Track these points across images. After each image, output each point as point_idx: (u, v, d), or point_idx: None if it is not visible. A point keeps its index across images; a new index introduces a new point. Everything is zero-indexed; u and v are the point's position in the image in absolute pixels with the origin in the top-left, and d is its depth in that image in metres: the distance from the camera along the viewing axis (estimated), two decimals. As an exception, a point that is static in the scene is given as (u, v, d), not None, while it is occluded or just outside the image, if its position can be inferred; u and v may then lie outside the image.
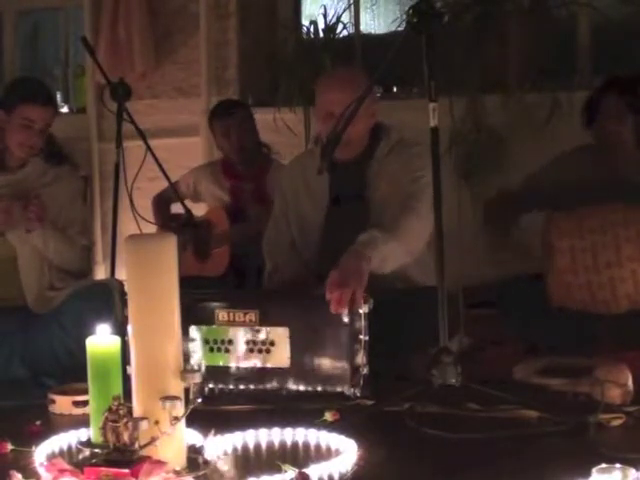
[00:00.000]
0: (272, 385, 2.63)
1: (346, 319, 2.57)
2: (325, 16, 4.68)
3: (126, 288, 2.00)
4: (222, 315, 2.66)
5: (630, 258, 2.96)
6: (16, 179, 3.18)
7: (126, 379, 2.01)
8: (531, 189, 3.37)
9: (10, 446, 2.23)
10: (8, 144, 3.19)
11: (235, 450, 2.18)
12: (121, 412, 1.84)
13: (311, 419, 2.33)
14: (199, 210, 4.13)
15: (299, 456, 2.14)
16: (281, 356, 2.62)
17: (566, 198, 3.16)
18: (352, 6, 4.85)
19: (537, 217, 3.21)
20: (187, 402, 1.96)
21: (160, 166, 3.55)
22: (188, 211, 3.62)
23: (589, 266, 2.99)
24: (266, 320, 2.63)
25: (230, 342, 2.65)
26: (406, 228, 2.84)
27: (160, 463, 1.85)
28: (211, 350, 2.67)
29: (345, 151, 2.94)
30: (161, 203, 4.11)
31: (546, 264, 3.06)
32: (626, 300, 3.00)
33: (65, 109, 5.39)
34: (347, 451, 2.07)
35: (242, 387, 2.65)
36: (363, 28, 4.97)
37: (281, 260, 3.15)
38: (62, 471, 1.88)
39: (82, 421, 2.23)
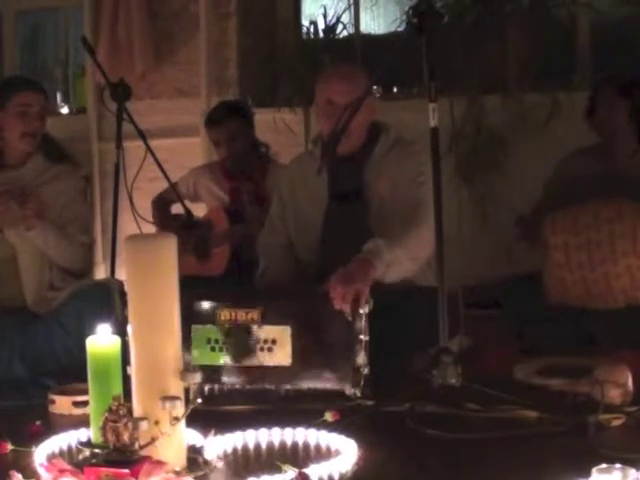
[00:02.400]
0: (273, 384, 2.63)
1: (349, 317, 2.57)
2: (325, 16, 4.68)
3: (126, 288, 2.00)
4: (224, 314, 2.66)
5: (625, 253, 2.96)
6: (15, 177, 3.18)
7: (126, 379, 2.01)
8: (552, 194, 3.37)
9: (10, 446, 2.23)
10: (9, 139, 3.21)
11: (235, 450, 2.18)
12: (121, 412, 1.84)
13: (311, 419, 2.33)
14: (199, 210, 4.13)
15: (299, 456, 2.14)
16: (283, 355, 2.62)
17: (577, 195, 3.17)
18: (352, 6, 4.85)
19: None
20: (187, 402, 1.96)
21: (160, 166, 3.54)
22: (188, 211, 3.62)
23: (584, 262, 3.00)
24: (268, 319, 2.63)
25: (232, 341, 2.65)
26: (414, 236, 2.83)
27: (160, 463, 1.86)
28: (212, 350, 2.67)
29: (345, 145, 2.93)
30: (161, 204, 4.10)
31: (543, 260, 3.07)
32: (622, 295, 3.00)
33: (65, 109, 5.39)
34: (347, 451, 2.07)
35: (243, 386, 2.65)
36: (363, 28, 4.97)
37: (274, 261, 3.15)
38: (62, 471, 1.88)
39: (82, 421, 2.23)
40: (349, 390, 2.58)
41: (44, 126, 3.23)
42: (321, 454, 2.15)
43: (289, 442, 2.22)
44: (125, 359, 2.04)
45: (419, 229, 2.83)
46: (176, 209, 3.99)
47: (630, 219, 2.99)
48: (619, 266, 2.97)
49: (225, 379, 2.66)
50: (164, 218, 4.08)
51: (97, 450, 1.90)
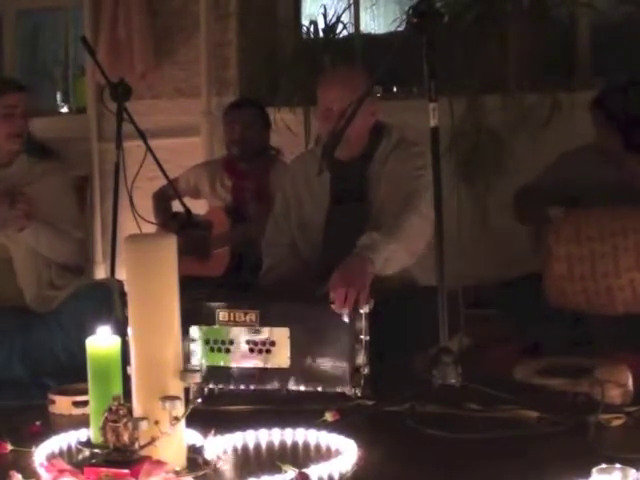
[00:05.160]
0: (272, 385, 2.63)
1: (347, 319, 2.57)
2: (325, 16, 4.68)
3: (126, 288, 2.00)
4: (223, 315, 2.66)
5: (628, 268, 2.94)
6: (2, 177, 3.17)
7: (126, 379, 2.01)
8: (547, 185, 3.35)
9: (10, 446, 2.23)
10: None
11: (235, 450, 2.18)
12: (121, 412, 1.84)
13: (311, 419, 2.33)
14: (200, 207, 4.12)
15: (299, 456, 2.14)
16: (281, 356, 2.62)
17: (582, 197, 3.16)
18: (352, 6, 4.85)
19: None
20: (187, 402, 1.96)
21: (160, 166, 3.54)
22: (188, 210, 3.62)
23: (586, 274, 2.97)
24: (266, 320, 2.63)
25: (231, 342, 2.65)
26: (408, 228, 2.84)
27: (160, 463, 1.86)
28: (211, 350, 2.67)
29: (345, 150, 2.94)
30: (161, 200, 4.10)
31: (544, 268, 3.06)
32: (623, 306, 2.98)
33: (65, 109, 5.39)
34: (347, 451, 2.07)
35: (242, 387, 2.66)
36: (363, 28, 4.97)
37: (278, 260, 3.15)
38: (62, 471, 1.88)
39: (82, 421, 2.23)
40: (349, 390, 2.58)
41: (28, 124, 3.24)
42: (321, 454, 2.15)
43: (289, 442, 2.22)
44: (125, 359, 2.04)
45: (412, 219, 2.84)
46: (177, 206, 3.98)
47: (634, 233, 2.96)
48: (622, 279, 2.95)
49: (225, 380, 2.66)
50: (164, 213, 4.08)
51: (97, 450, 1.90)
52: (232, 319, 2.65)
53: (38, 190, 3.13)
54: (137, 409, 1.93)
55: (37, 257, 3.12)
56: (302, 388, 2.62)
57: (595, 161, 3.31)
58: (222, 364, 2.66)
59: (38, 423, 2.40)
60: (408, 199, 2.90)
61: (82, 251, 3.30)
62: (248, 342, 2.64)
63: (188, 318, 2.59)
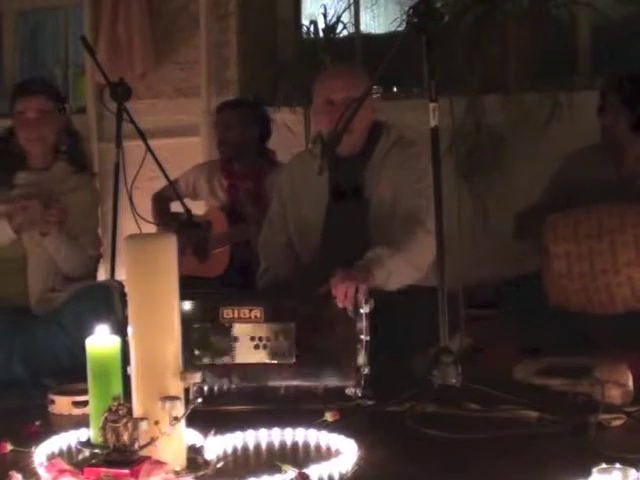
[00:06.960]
0: (276, 382, 2.63)
1: (352, 314, 2.58)
2: (325, 16, 4.68)
3: (126, 288, 2.00)
4: (227, 312, 2.66)
5: (627, 264, 2.94)
6: (37, 180, 3.19)
7: (126, 379, 2.01)
8: (553, 195, 3.36)
9: (10, 446, 2.22)
10: (22, 145, 3.23)
11: (235, 450, 2.18)
12: (121, 412, 1.84)
13: (311, 419, 2.33)
14: (199, 208, 4.12)
15: (299, 456, 2.14)
16: (286, 352, 2.62)
17: (583, 198, 3.16)
18: (352, 6, 4.85)
19: None
20: (187, 402, 1.96)
21: (160, 166, 3.54)
22: (188, 211, 3.62)
23: (585, 272, 2.98)
24: (271, 317, 2.63)
25: (235, 339, 2.65)
26: (414, 243, 2.83)
27: (160, 463, 1.86)
28: (215, 348, 2.67)
29: (346, 145, 2.93)
30: (161, 201, 4.11)
31: (543, 267, 3.06)
32: (623, 304, 2.99)
33: (65, 109, 5.39)
34: (347, 451, 2.07)
35: (246, 384, 2.65)
36: (363, 28, 4.97)
37: (275, 260, 3.15)
38: (62, 471, 1.88)
39: (82, 421, 2.23)
40: (349, 390, 2.58)
41: (49, 127, 3.22)
42: (321, 454, 2.15)
43: (289, 442, 2.22)
44: (125, 359, 2.04)
45: (421, 237, 2.83)
46: (176, 207, 3.99)
47: (632, 229, 2.96)
48: (621, 276, 2.95)
49: (227, 378, 2.66)
50: (163, 215, 4.08)
51: (97, 450, 1.90)
52: (236, 316, 2.65)
53: (68, 201, 3.14)
54: (137, 409, 1.93)
55: (49, 264, 3.15)
56: (305, 384, 2.62)
57: (595, 161, 3.31)
58: (225, 362, 2.66)
59: (38, 423, 2.40)
60: (417, 216, 2.89)
61: (93, 268, 3.33)
62: (252, 339, 2.64)
63: (191, 316, 2.61)
